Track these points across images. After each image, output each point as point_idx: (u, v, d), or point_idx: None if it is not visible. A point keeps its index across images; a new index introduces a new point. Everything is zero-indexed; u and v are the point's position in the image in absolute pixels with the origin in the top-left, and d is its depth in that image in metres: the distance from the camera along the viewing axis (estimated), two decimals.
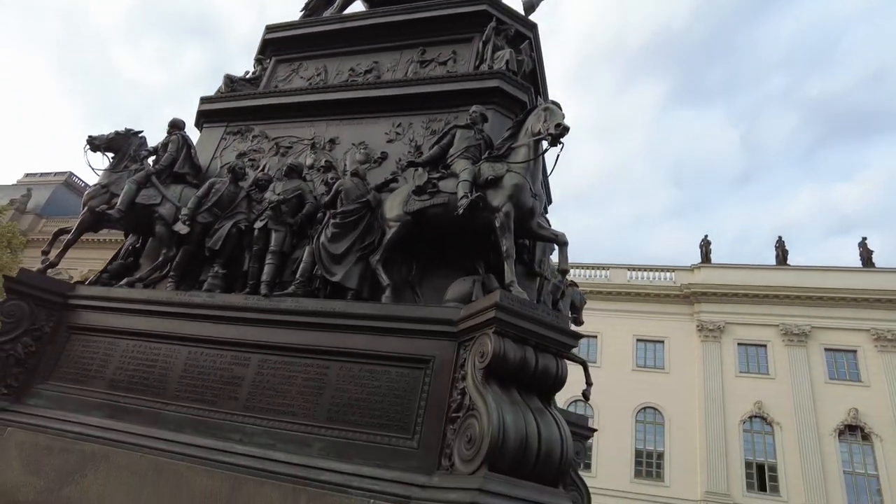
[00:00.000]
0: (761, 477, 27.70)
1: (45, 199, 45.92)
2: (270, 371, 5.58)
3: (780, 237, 33.36)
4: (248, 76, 9.46)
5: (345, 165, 7.33)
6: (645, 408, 30.83)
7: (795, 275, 31.34)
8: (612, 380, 30.73)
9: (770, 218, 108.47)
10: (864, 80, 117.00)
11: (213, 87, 9.38)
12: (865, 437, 27.31)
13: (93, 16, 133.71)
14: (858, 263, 31.69)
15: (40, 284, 6.76)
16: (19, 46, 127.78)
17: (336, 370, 5.33)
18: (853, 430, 27.61)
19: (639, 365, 31.92)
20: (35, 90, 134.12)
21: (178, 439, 5.32)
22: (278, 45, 9.49)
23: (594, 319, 30.84)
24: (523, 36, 8.19)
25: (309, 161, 7.64)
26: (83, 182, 48.57)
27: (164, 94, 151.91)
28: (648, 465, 29.51)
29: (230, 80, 9.27)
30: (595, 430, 7.96)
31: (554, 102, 5.91)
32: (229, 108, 8.73)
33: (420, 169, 6.37)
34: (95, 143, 7.74)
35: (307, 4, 10.35)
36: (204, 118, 8.94)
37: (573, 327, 8.13)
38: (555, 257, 6.51)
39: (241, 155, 8.17)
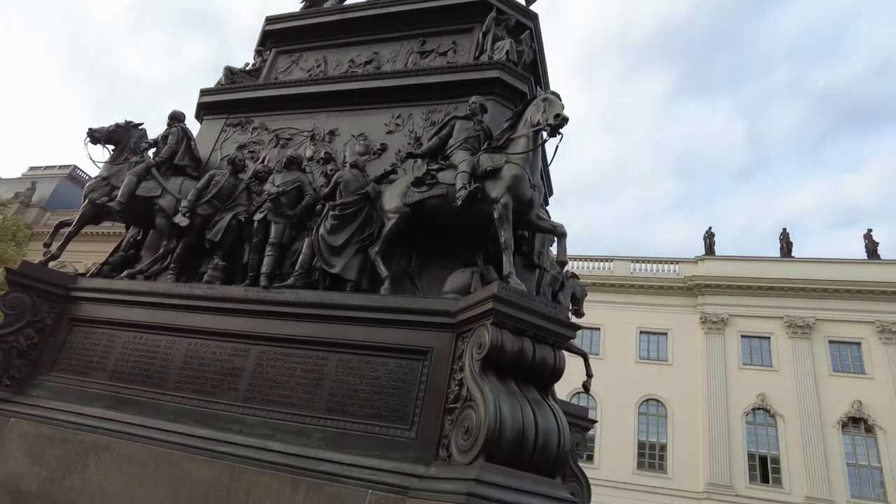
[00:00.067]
0: (764, 469, 27.73)
1: (50, 193, 46.07)
2: (270, 362, 5.60)
3: (784, 229, 33.31)
4: (248, 68, 9.44)
5: (344, 157, 7.32)
6: (648, 400, 30.85)
7: (800, 267, 31.21)
8: (615, 372, 30.77)
9: (775, 210, 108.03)
10: (872, 71, 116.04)
11: (216, 79, 9.34)
12: (869, 429, 27.27)
13: (96, 9, 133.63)
14: (864, 255, 31.55)
15: (42, 277, 6.80)
16: (24, 40, 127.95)
17: (335, 361, 5.35)
18: (856, 423, 27.57)
19: (642, 357, 31.91)
20: (39, 84, 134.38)
21: (179, 430, 5.36)
22: (278, 36, 9.46)
23: (597, 311, 30.89)
24: (524, 26, 8.12)
25: (309, 153, 7.63)
26: (87, 175, 48.60)
27: (168, 87, 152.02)
28: (651, 456, 29.58)
29: (230, 72, 9.26)
30: (595, 422, 7.96)
31: (553, 93, 5.87)
32: (229, 100, 8.72)
33: (419, 160, 6.36)
34: (96, 136, 7.75)
35: None
36: (204, 110, 8.93)
37: (574, 319, 8.14)
38: (555, 249, 6.48)
39: (241, 147, 8.17)
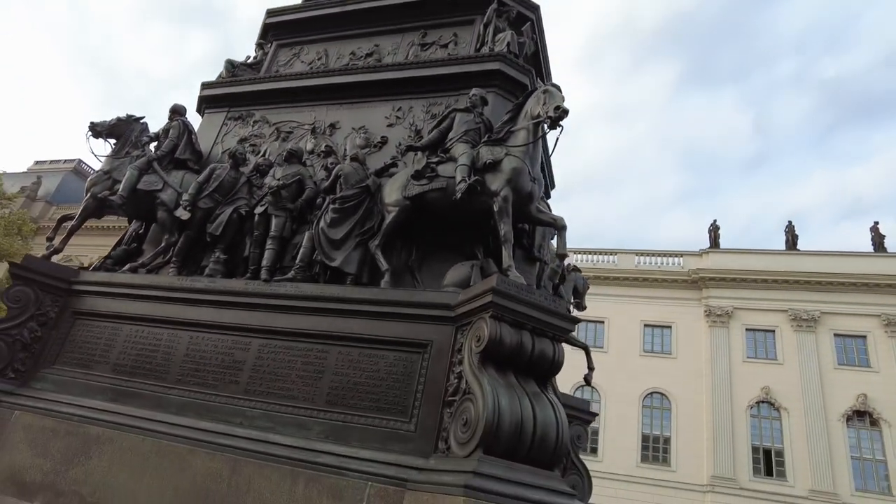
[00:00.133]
0: (768, 462, 27.72)
1: (55, 187, 46.28)
2: (271, 355, 5.62)
3: (789, 222, 32.98)
4: (249, 61, 9.44)
5: (345, 150, 7.31)
6: (652, 393, 30.84)
7: (805, 260, 31.03)
8: (619, 365, 30.79)
9: (781, 203, 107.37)
10: (880, 62, 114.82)
11: (219, 72, 9.32)
12: (874, 422, 27.18)
13: (99, 2, 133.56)
14: (870, 248, 31.32)
15: (45, 270, 6.83)
16: (28, 34, 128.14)
17: (335, 354, 5.36)
18: (861, 416, 27.48)
19: (646, 350, 31.87)
20: (44, 79, 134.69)
21: (180, 422, 5.39)
22: (279, 29, 9.44)
23: (601, 305, 30.88)
24: (525, 17, 8.07)
25: (309, 146, 7.63)
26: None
27: (171, 81, 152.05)
28: (655, 449, 29.60)
29: (231, 66, 9.25)
30: (596, 415, 7.95)
31: (554, 85, 5.84)
32: (230, 94, 8.72)
33: (419, 153, 6.34)
34: (97, 130, 7.76)
35: None
36: (205, 104, 8.93)
37: (576, 312, 8.13)
38: (556, 242, 6.46)
39: (242, 140, 8.18)
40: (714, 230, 33.69)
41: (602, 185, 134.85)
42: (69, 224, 7.59)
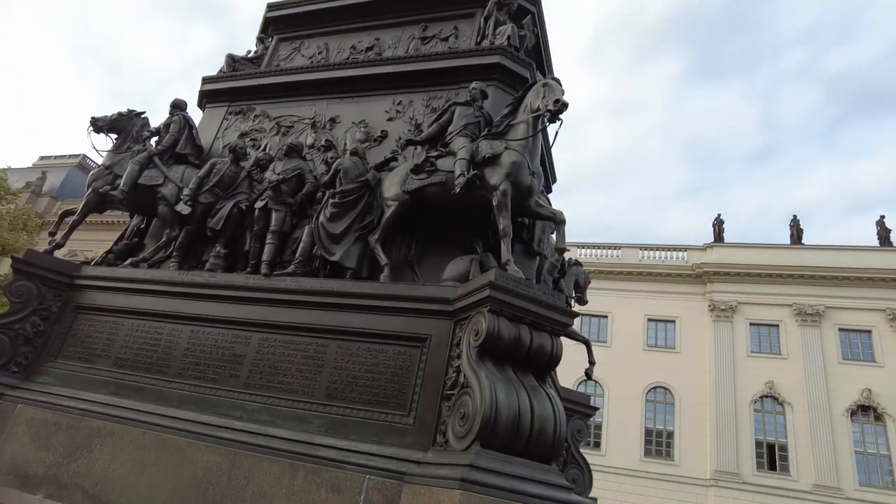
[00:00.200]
0: (771, 456, 27.69)
1: (60, 182, 46.44)
2: (270, 349, 5.64)
3: (794, 216, 32.84)
4: (250, 55, 9.41)
5: (345, 144, 7.29)
6: (655, 387, 30.83)
7: (810, 254, 30.88)
8: (623, 359, 30.77)
9: (786, 197, 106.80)
10: (887, 55, 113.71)
11: (220, 67, 9.30)
12: (878, 417, 27.11)
13: None
14: (876, 242, 31.12)
15: (47, 265, 6.86)
16: (32, 31, 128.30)
17: (334, 348, 5.37)
18: (866, 411, 27.41)
19: (649, 345, 31.83)
20: (48, 74, 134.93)
21: (181, 416, 5.42)
22: (280, 23, 9.41)
23: (605, 299, 30.87)
24: (526, 10, 8.02)
25: (309, 140, 7.62)
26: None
27: (176, 75, 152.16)
28: (658, 444, 29.62)
29: (232, 60, 9.22)
30: (597, 409, 7.95)
31: (553, 78, 5.80)
32: (231, 88, 8.71)
33: (419, 147, 6.32)
34: (98, 125, 7.77)
35: None
36: (206, 98, 8.93)
37: (578, 306, 8.13)
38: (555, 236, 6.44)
39: (242, 135, 8.17)
40: (718, 224, 33.56)
41: (607, 179, 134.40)
42: (71, 219, 7.62)
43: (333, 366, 5.28)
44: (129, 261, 7.15)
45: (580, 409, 7.11)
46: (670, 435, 29.57)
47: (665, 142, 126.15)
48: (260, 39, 9.52)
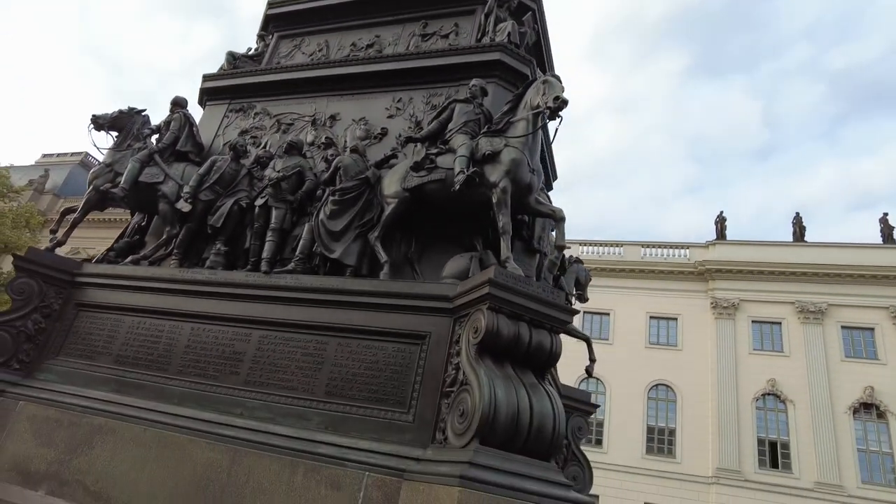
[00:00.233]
0: (773, 454, 27.64)
1: (63, 180, 46.53)
2: (271, 347, 5.65)
3: (797, 213, 32.72)
4: (250, 53, 9.41)
5: (345, 142, 7.30)
6: (657, 385, 30.78)
7: (812, 251, 30.77)
8: (625, 357, 30.74)
9: (789, 194, 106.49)
10: (891, 52, 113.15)
11: (221, 64, 9.30)
12: (881, 414, 27.02)
13: None
14: (879, 240, 31.00)
15: (48, 262, 6.88)
16: (34, 29, 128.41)
17: (334, 346, 5.38)
18: (868, 408, 27.32)
19: (652, 342, 31.78)
20: (50, 72, 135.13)
21: (182, 413, 5.43)
22: (280, 20, 9.41)
23: (607, 296, 30.86)
24: (527, 7, 8.01)
25: (310, 137, 7.62)
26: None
27: (177, 73, 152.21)
28: (660, 441, 29.58)
29: (233, 58, 9.23)
30: (597, 406, 7.95)
31: (553, 75, 5.78)
32: (231, 86, 8.71)
33: (419, 145, 6.31)
34: (99, 123, 7.78)
35: None
36: (207, 96, 8.94)
37: (578, 304, 8.12)
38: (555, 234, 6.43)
39: (243, 132, 8.18)
40: (721, 222, 33.46)
41: (609, 177, 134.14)
42: (72, 216, 7.63)
43: (333, 363, 5.29)
44: (129, 258, 7.17)
45: (580, 406, 7.10)
46: (672, 432, 29.54)
47: (667, 140, 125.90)
48: (261, 37, 9.52)
